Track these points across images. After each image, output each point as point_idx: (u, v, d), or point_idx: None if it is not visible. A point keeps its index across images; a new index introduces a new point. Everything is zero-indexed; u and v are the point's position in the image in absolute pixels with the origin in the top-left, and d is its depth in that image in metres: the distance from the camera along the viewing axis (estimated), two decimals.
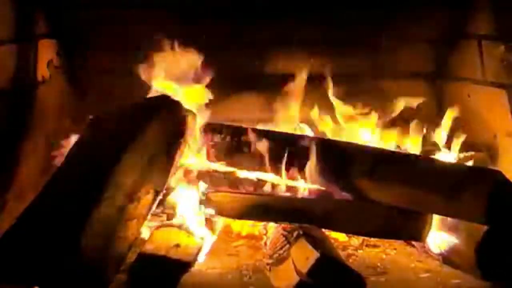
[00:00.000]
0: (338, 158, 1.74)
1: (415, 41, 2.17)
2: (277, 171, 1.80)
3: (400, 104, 2.01)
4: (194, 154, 1.84)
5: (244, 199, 1.73)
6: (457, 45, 2.17)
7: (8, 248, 1.35)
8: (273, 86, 2.09)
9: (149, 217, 1.61)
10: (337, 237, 1.80)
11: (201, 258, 1.66)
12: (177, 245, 1.58)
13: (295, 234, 1.59)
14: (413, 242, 1.76)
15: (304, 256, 1.47)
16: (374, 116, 1.99)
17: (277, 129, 1.95)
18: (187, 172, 1.81)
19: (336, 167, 1.73)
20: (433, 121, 2.04)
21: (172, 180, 1.73)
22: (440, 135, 1.98)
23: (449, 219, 1.64)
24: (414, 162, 1.71)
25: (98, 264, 1.37)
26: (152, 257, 1.51)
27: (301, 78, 2.00)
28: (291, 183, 1.80)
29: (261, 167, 1.82)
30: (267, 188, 1.81)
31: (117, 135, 1.59)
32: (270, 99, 2.06)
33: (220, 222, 1.78)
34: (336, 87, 2.14)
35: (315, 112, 2.05)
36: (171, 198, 1.75)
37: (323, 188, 1.77)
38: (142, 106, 1.74)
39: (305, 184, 1.78)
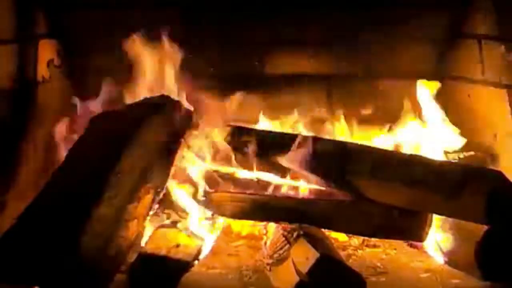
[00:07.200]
0: (339, 158, 1.74)
1: (415, 41, 2.17)
2: (277, 171, 1.79)
3: None
4: (194, 154, 1.84)
5: (244, 199, 1.73)
6: (457, 45, 2.17)
7: (8, 248, 1.35)
8: (272, 86, 2.09)
9: (149, 217, 1.61)
10: (337, 237, 1.80)
11: (201, 258, 1.66)
12: (177, 245, 1.59)
13: (295, 234, 1.59)
14: (413, 242, 1.76)
15: (304, 256, 1.47)
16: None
17: (277, 129, 1.95)
18: (187, 172, 1.81)
19: (336, 167, 1.72)
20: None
21: (172, 180, 1.73)
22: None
23: (449, 219, 1.65)
24: (414, 162, 1.70)
25: (98, 264, 1.37)
26: (152, 257, 1.51)
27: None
28: (291, 183, 1.79)
29: (261, 167, 1.82)
30: (267, 188, 1.81)
31: (117, 135, 1.59)
32: (269, 99, 2.06)
33: (220, 222, 1.78)
34: (336, 87, 2.15)
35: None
36: (171, 198, 1.75)
37: (323, 188, 1.77)
38: (142, 106, 1.74)
39: (305, 184, 1.78)
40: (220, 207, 1.73)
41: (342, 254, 1.69)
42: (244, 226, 1.86)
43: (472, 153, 1.96)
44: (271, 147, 1.80)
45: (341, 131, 2.02)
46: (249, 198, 1.73)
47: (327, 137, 1.95)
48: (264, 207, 1.72)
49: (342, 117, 2.03)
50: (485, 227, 1.53)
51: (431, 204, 1.60)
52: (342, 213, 1.69)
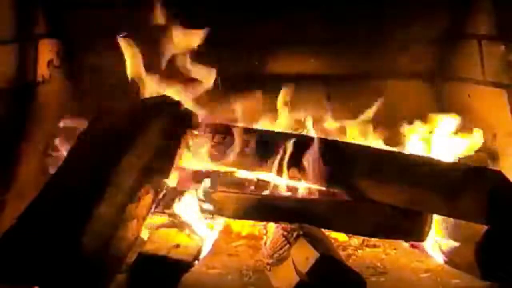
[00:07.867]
0: (338, 158, 1.74)
1: (415, 41, 2.17)
2: (277, 171, 1.79)
3: None
4: (194, 154, 1.84)
5: (244, 199, 1.73)
6: (457, 45, 2.17)
7: (8, 248, 1.35)
8: (273, 86, 2.09)
9: (149, 217, 1.61)
10: (337, 237, 1.80)
11: (201, 258, 1.66)
12: (177, 245, 1.59)
13: (295, 234, 1.59)
14: (414, 242, 1.76)
15: (304, 256, 1.47)
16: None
17: (277, 129, 1.95)
18: (187, 172, 1.81)
19: (336, 167, 1.72)
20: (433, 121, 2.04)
21: (172, 180, 1.73)
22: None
23: (449, 219, 1.65)
24: (414, 162, 1.71)
25: (98, 264, 1.37)
26: (152, 257, 1.51)
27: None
28: (291, 183, 1.79)
29: (261, 167, 1.81)
30: (267, 188, 1.81)
31: (117, 135, 1.59)
32: (270, 99, 2.06)
33: (220, 222, 1.78)
34: (336, 87, 2.14)
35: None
36: (171, 198, 1.75)
37: (323, 188, 1.77)
38: (142, 106, 1.74)
39: (305, 184, 1.78)
40: (220, 207, 1.73)
41: (342, 254, 1.69)
42: (244, 226, 1.86)
43: (472, 153, 1.96)
44: (271, 147, 1.80)
45: (340, 131, 2.02)
46: (249, 198, 1.73)
47: (326, 137, 1.96)
48: (264, 207, 1.72)
49: (341, 117, 2.04)
50: (485, 227, 1.53)
51: (431, 204, 1.60)
52: (342, 213, 1.69)
